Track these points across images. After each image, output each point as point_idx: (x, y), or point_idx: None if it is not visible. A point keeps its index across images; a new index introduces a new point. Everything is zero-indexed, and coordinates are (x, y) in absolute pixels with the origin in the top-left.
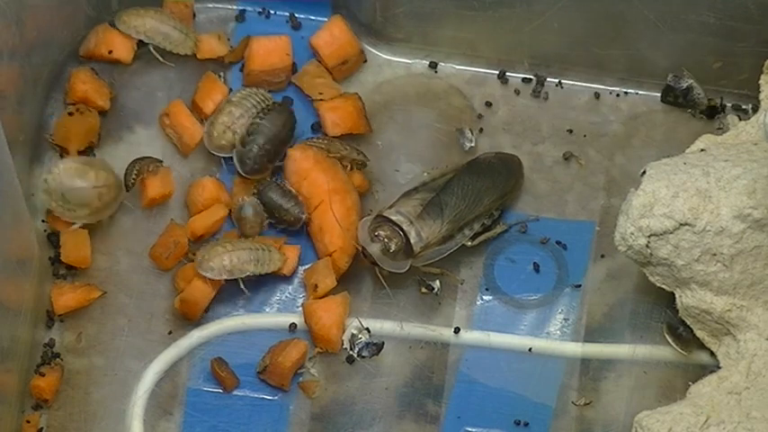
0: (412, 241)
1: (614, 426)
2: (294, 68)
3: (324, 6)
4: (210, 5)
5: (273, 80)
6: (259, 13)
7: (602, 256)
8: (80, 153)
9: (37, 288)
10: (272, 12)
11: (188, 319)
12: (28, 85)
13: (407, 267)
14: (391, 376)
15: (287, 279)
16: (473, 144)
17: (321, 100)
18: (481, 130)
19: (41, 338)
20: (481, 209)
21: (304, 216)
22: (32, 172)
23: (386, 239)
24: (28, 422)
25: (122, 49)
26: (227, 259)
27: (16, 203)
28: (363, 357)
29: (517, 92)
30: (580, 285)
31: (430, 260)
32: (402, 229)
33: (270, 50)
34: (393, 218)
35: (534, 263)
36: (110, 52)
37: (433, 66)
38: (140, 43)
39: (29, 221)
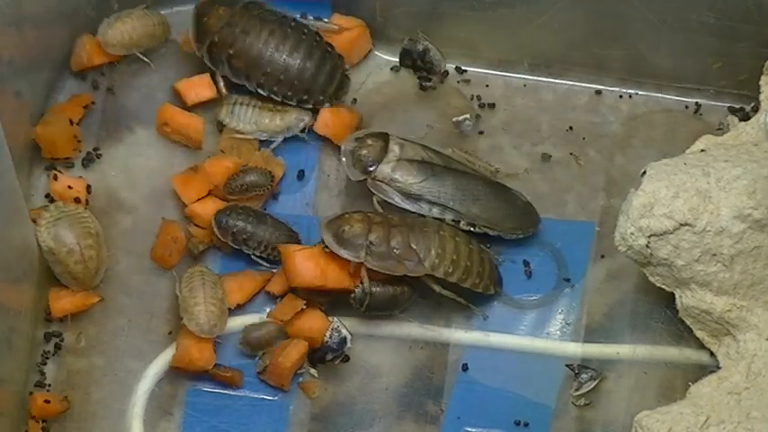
0: (378, 168)
1: (614, 426)
2: None
3: (324, 6)
4: None
5: None
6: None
7: (602, 256)
8: (65, 160)
9: (36, 290)
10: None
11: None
12: (28, 86)
13: (357, 179)
14: (391, 376)
15: None
16: (471, 124)
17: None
18: (481, 132)
19: (41, 339)
20: (463, 212)
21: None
22: (32, 173)
23: (366, 146)
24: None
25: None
26: (209, 310)
27: (16, 204)
28: (335, 351)
29: (517, 92)
30: (580, 285)
31: (384, 197)
32: (384, 154)
33: None
34: (390, 141)
35: (534, 263)
36: (103, 61)
37: None
38: None
39: (29, 223)
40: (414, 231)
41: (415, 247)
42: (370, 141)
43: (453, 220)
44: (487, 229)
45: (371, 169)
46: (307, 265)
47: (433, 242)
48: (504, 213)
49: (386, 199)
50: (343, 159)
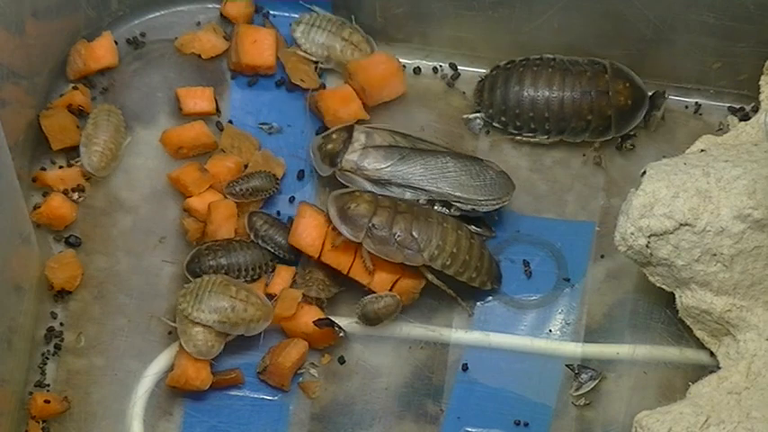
0: (346, 157)
1: (614, 426)
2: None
3: (324, 6)
4: (210, 6)
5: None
6: (258, 12)
7: (602, 256)
8: (63, 151)
9: (36, 288)
10: (272, 12)
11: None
12: (27, 86)
13: (327, 173)
14: (391, 376)
15: None
16: (481, 123)
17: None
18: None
19: (41, 339)
20: (434, 190)
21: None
22: (32, 172)
23: (330, 141)
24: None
25: (109, 56)
26: (203, 337)
27: (16, 205)
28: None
29: None
30: (580, 285)
31: (354, 186)
32: (349, 143)
33: (258, 38)
34: (355, 132)
35: (534, 263)
36: (99, 67)
37: (434, 66)
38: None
39: (29, 222)
40: (418, 220)
41: (416, 236)
42: (334, 135)
43: (427, 201)
44: (460, 204)
45: (338, 161)
46: (310, 231)
47: (434, 233)
48: (475, 186)
49: (355, 189)
50: (312, 156)
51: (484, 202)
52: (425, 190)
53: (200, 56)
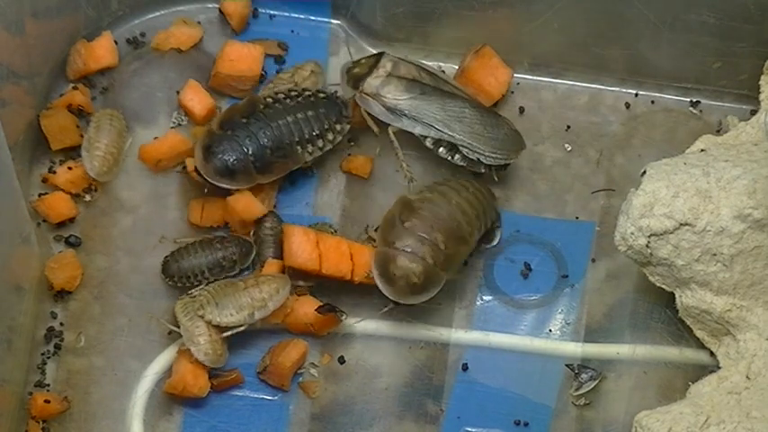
0: (368, 81)
1: (614, 426)
2: (262, 78)
3: (324, 6)
4: (210, 6)
5: (238, 86)
6: (257, 12)
7: (603, 257)
8: (63, 151)
9: (36, 288)
10: (273, 13)
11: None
12: (27, 86)
13: (349, 96)
14: (391, 376)
15: None
16: None
17: None
18: None
19: (41, 339)
20: (446, 130)
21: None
22: (32, 172)
23: (359, 65)
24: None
25: (109, 56)
26: (210, 343)
27: (16, 205)
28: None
29: (517, 92)
30: (580, 285)
31: (369, 111)
32: (375, 69)
33: (241, 57)
34: (382, 59)
35: (534, 263)
36: (99, 67)
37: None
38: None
39: (29, 222)
40: (434, 208)
41: (440, 222)
42: (363, 61)
43: (434, 142)
44: (467, 151)
45: (361, 84)
46: (305, 247)
47: (454, 213)
48: (486, 137)
49: (371, 113)
50: (339, 80)
51: (491, 155)
52: (437, 129)
53: (179, 50)
